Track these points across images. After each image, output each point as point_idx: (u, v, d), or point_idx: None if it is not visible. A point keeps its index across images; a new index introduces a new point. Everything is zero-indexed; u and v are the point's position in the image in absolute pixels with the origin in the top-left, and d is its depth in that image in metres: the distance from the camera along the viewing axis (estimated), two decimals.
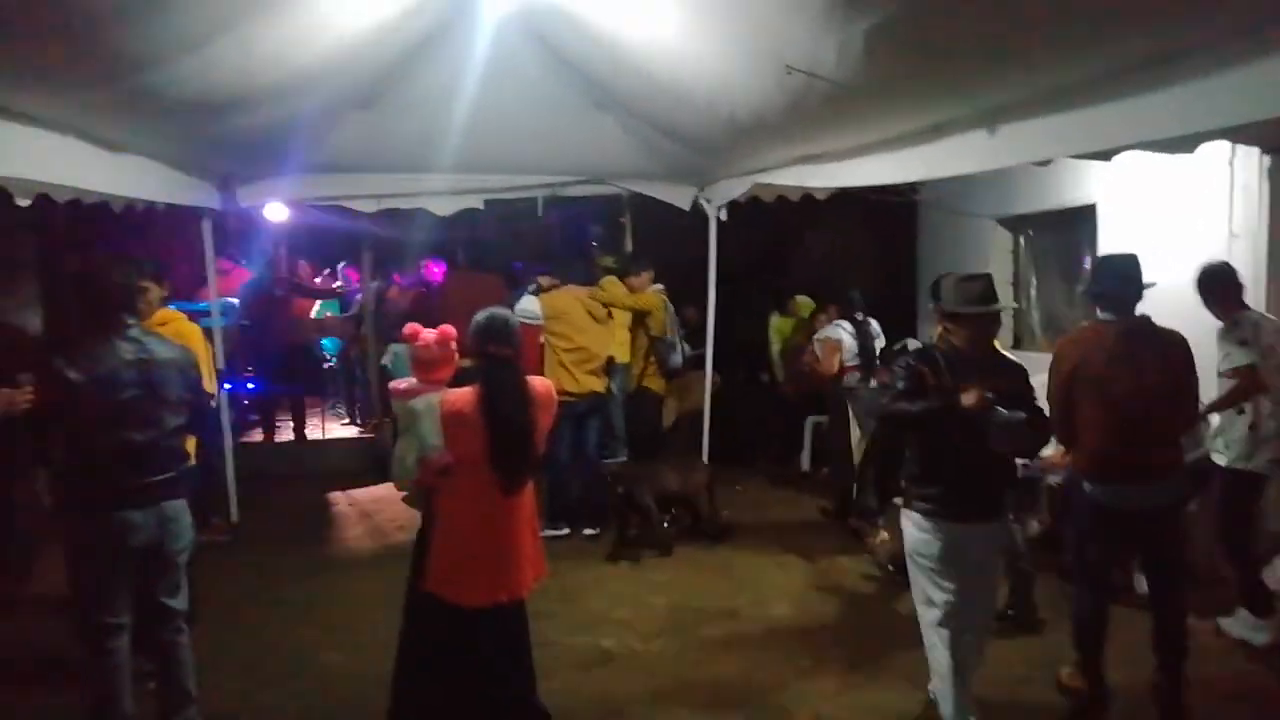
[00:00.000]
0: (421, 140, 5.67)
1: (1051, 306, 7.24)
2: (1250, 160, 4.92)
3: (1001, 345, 3.73)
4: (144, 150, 4.83)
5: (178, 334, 4.09)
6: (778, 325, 8.35)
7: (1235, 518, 4.36)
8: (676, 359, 6.81)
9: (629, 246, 8.16)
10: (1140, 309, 3.65)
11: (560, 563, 4.63)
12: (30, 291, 6.67)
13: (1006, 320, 6.96)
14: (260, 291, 8.65)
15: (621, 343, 6.61)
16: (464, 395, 3.11)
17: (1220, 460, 4.34)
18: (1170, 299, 4.32)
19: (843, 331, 6.20)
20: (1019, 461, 3.74)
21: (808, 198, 6.43)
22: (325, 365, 10.17)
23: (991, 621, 3.72)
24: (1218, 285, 4.33)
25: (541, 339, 6.28)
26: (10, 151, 3.61)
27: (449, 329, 3.55)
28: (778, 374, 8.30)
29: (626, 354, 6.67)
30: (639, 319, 6.65)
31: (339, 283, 10.22)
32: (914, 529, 3.41)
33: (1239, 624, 4.36)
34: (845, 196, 5.87)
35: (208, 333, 5.49)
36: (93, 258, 3.49)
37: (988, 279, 3.47)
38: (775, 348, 8.31)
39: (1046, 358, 3.80)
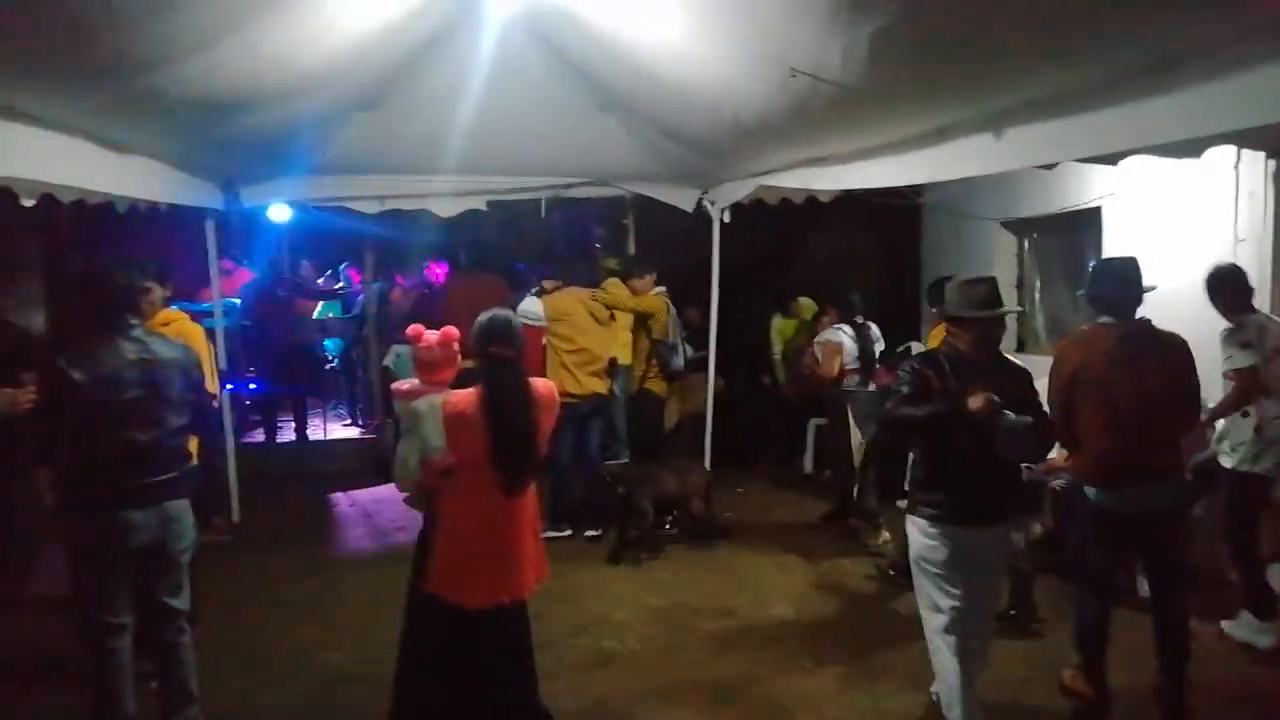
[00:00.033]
0: (425, 141, 5.68)
1: (1056, 310, 7.24)
2: (1256, 165, 4.92)
3: (1005, 349, 3.71)
4: (148, 151, 4.84)
5: (180, 334, 4.10)
6: (779, 327, 8.34)
7: (1241, 520, 4.35)
8: (678, 361, 6.80)
9: (632, 248, 8.16)
10: (1144, 312, 3.65)
11: (562, 564, 4.63)
12: (34, 291, 6.67)
13: (1010, 323, 6.95)
14: (262, 292, 8.67)
15: (624, 344, 6.61)
16: (466, 396, 3.11)
17: (1226, 463, 4.33)
18: (1175, 302, 4.32)
19: (843, 335, 6.21)
20: (1022, 465, 3.73)
21: (812, 200, 6.43)
22: (327, 366, 10.18)
23: (993, 624, 3.71)
24: (1226, 287, 4.33)
25: (544, 340, 6.28)
26: (15, 152, 3.61)
27: (452, 330, 3.54)
28: (779, 376, 8.30)
29: (629, 356, 6.67)
30: (641, 321, 6.65)
31: (340, 284, 10.22)
32: (920, 535, 3.39)
33: (1242, 627, 4.36)
34: (849, 199, 5.87)
35: (210, 333, 5.50)
36: (96, 258, 3.48)
37: (992, 282, 3.46)
38: (776, 349, 8.31)
39: (1051, 361, 3.79)
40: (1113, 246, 5.85)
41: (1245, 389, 4.16)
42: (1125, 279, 3.65)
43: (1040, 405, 3.45)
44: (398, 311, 8.72)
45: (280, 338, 8.61)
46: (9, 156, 3.60)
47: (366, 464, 8.08)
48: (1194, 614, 3.77)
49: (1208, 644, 4.18)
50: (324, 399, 10.07)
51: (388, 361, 7.77)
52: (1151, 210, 5.59)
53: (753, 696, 4.01)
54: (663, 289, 6.75)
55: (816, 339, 6.48)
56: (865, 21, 3.02)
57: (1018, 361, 3.70)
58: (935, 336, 5.37)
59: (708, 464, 6.79)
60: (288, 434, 8.99)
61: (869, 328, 6.32)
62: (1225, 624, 4.42)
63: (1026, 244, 7.52)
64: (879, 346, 6.34)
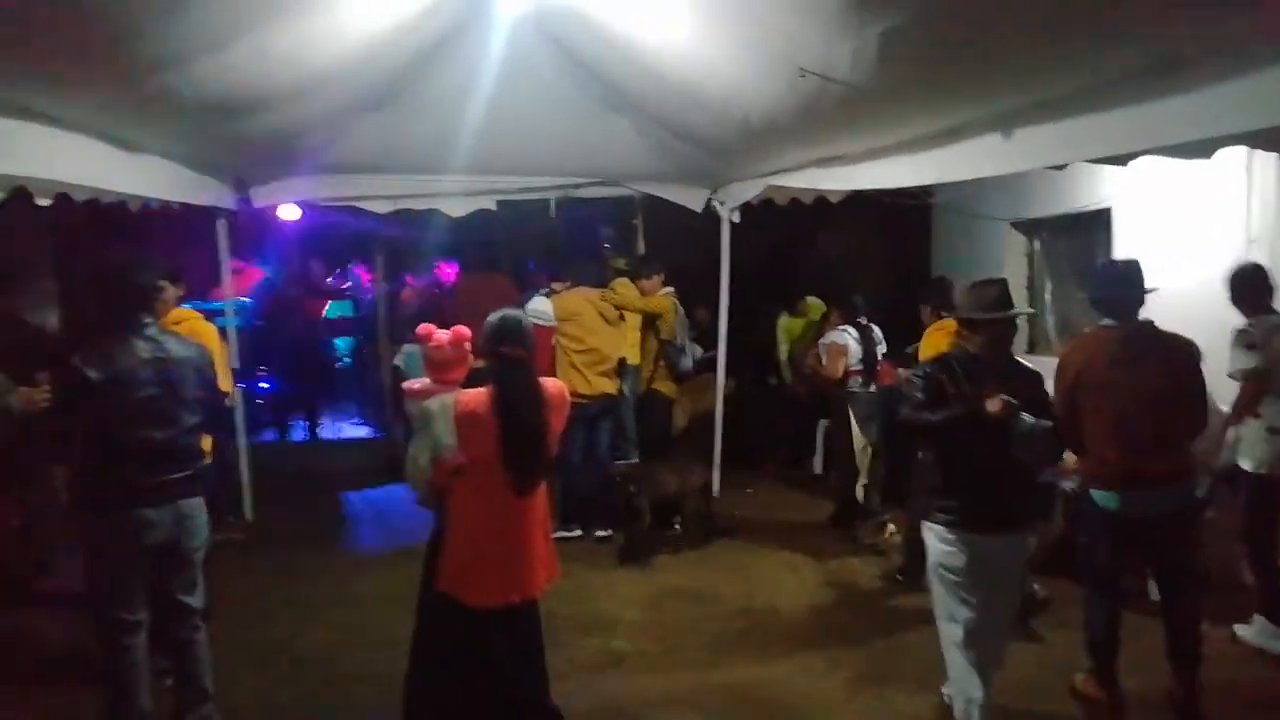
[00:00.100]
0: (435, 141, 5.69)
1: (1066, 311, 7.20)
2: (1268, 165, 4.89)
3: (1016, 350, 3.70)
4: (161, 150, 4.87)
5: (193, 332, 4.12)
6: (786, 326, 8.33)
7: (1260, 522, 4.31)
8: (686, 363, 6.81)
9: (641, 248, 8.17)
10: (1154, 313, 3.64)
11: (572, 564, 4.64)
12: (48, 290, 6.71)
13: (1021, 325, 6.93)
14: (273, 291, 8.71)
15: (633, 344, 6.62)
16: (477, 396, 3.12)
17: (1245, 466, 4.30)
18: (1185, 303, 4.31)
19: (849, 336, 6.22)
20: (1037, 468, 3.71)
21: (821, 200, 6.42)
22: (338, 365, 10.22)
23: (1009, 632, 3.71)
24: (1247, 287, 4.32)
25: (554, 341, 6.29)
26: (32, 152, 3.64)
27: (463, 330, 3.55)
28: (785, 375, 8.29)
29: (637, 356, 6.68)
30: (649, 321, 6.66)
31: (349, 284, 10.27)
32: (938, 542, 3.36)
33: (1257, 632, 4.33)
34: (859, 199, 5.86)
35: (222, 332, 5.53)
36: (110, 257, 3.50)
37: (1003, 284, 3.45)
38: (783, 348, 8.30)
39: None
40: (1123, 247, 5.83)
41: (1250, 391, 4.14)
42: (1127, 281, 3.64)
43: (1052, 407, 3.44)
44: (407, 311, 8.76)
45: (291, 337, 8.66)
46: (26, 156, 3.64)
47: (377, 463, 8.12)
48: (1206, 618, 3.75)
49: (1221, 648, 4.16)
50: (335, 398, 10.12)
51: (398, 361, 7.79)
52: (1162, 211, 5.56)
53: (763, 699, 4.01)
54: (670, 289, 6.75)
55: (821, 340, 6.50)
56: (874, 22, 3.02)
57: (1028, 363, 3.69)
58: (930, 338, 5.37)
59: (717, 464, 6.79)
60: (300, 433, 9.03)
61: (872, 329, 6.34)
62: (1239, 628, 4.39)
63: (1037, 245, 7.49)
64: (881, 348, 6.35)
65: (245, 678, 4.10)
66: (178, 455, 3.34)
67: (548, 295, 6.52)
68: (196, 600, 3.48)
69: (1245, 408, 4.22)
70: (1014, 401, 3.14)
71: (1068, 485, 4.82)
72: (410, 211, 6.92)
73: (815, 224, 8.03)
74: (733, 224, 6.84)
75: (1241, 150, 4.66)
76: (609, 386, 6.29)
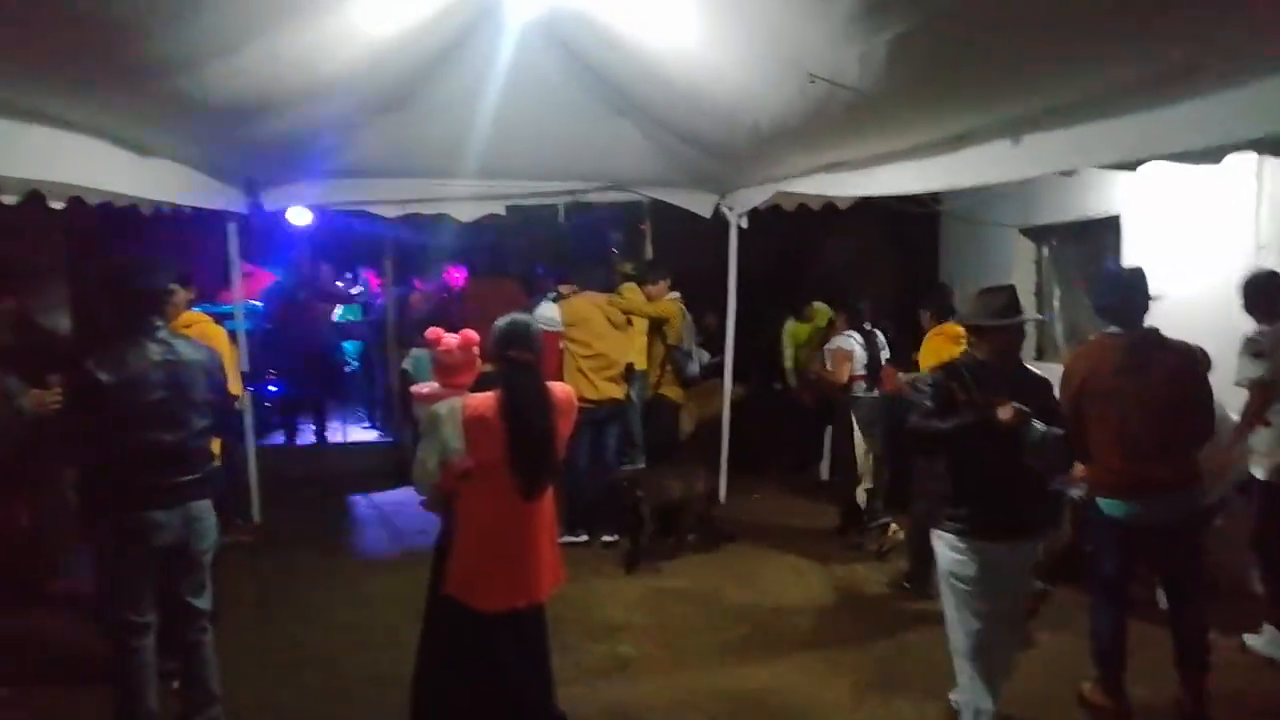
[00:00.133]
0: (445, 146, 5.71)
1: (1075, 318, 7.19)
2: (1278, 172, 4.87)
3: (1024, 357, 3.70)
4: (173, 154, 4.91)
5: (203, 335, 4.15)
6: (792, 331, 8.33)
7: (1268, 531, 4.29)
8: (694, 368, 6.80)
9: (649, 253, 8.18)
10: (1164, 320, 3.63)
11: (579, 569, 4.65)
12: (60, 294, 6.75)
13: (1029, 332, 6.91)
14: (283, 295, 8.74)
15: (640, 350, 6.62)
16: (486, 400, 3.13)
17: (1258, 474, 4.28)
18: (1193, 310, 4.30)
19: (854, 342, 6.22)
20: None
21: (829, 206, 6.42)
22: (346, 369, 10.25)
23: (1018, 639, 3.69)
24: (1261, 295, 4.30)
25: (561, 345, 6.30)
26: (46, 155, 3.68)
27: (471, 334, 3.56)
28: (791, 381, 8.29)
29: (644, 361, 6.68)
30: (656, 326, 6.66)
31: (358, 288, 10.30)
32: (948, 550, 3.35)
33: (1266, 641, 4.31)
34: (867, 205, 5.86)
35: (232, 335, 5.55)
36: (121, 261, 3.52)
37: (1011, 290, 3.45)
38: (789, 354, 8.30)
39: None
40: (1132, 254, 5.82)
41: (1257, 400, 4.13)
42: (1131, 288, 3.63)
43: (1061, 414, 3.43)
44: (416, 315, 8.78)
45: (300, 340, 8.68)
46: (40, 160, 3.67)
47: (385, 466, 8.13)
48: (1215, 627, 3.74)
49: (1229, 657, 4.13)
50: (343, 402, 10.14)
51: (406, 365, 7.81)
52: (1171, 217, 5.54)
53: (769, 704, 4.01)
54: (677, 294, 6.76)
55: (827, 345, 6.50)
56: (883, 28, 3.02)
57: (1037, 370, 3.68)
58: (930, 343, 5.36)
59: (724, 470, 6.78)
60: (307, 436, 9.05)
61: (876, 334, 6.34)
62: (1248, 637, 4.37)
63: (1045, 251, 7.48)
64: (885, 354, 6.35)
65: (251, 680, 4.10)
66: (187, 458, 3.36)
67: (555, 299, 6.53)
68: (204, 602, 3.50)
69: (1255, 416, 4.20)
70: (1025, 409, 3.13)
71: (1075, 493, 4.81)
72: (419, 216, 6.96)
73: (823, 230, 8.03)
74: (740, 229, 6.85)
75: (1251, 156, 4.66)
76: (616, 391, 6.30)
